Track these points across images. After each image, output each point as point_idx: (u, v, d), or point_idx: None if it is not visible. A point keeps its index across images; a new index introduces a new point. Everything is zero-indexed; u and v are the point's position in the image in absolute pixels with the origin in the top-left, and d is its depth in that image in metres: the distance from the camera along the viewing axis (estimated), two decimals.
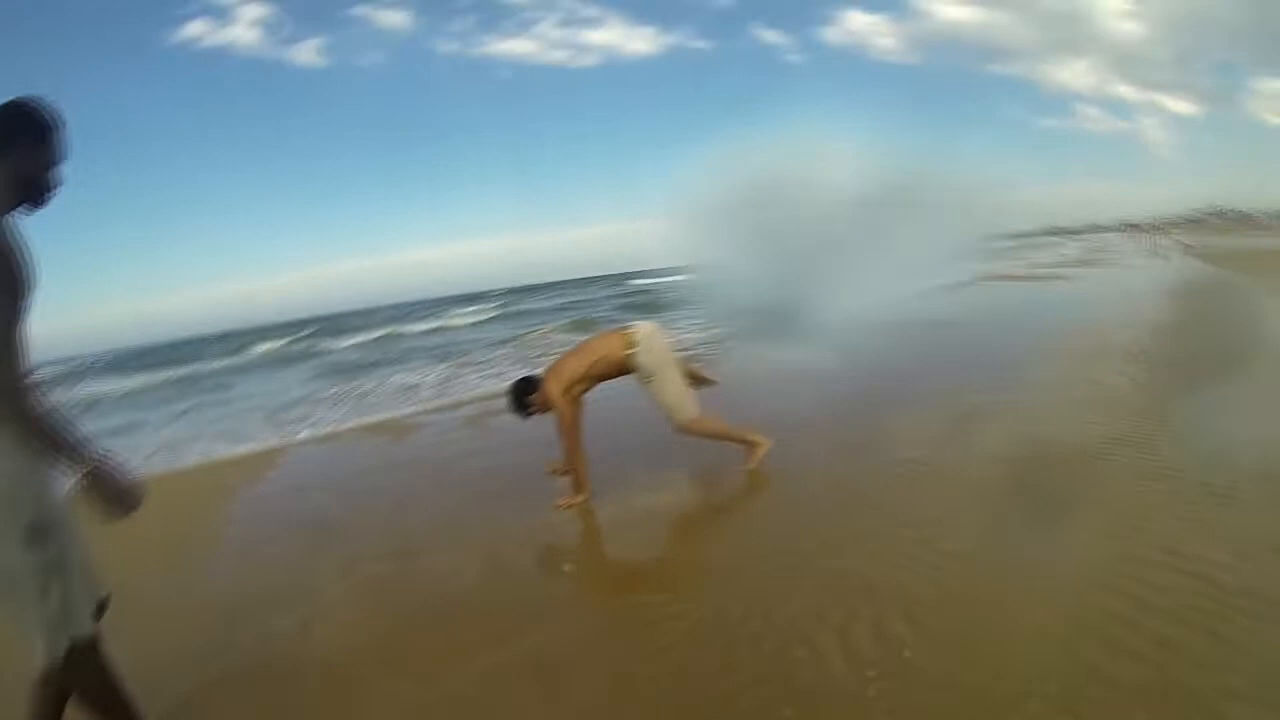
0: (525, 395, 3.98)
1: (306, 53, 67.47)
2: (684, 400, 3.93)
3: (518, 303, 36.23)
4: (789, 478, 3.90)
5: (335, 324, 34.09)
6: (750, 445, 4.07)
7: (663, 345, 3.94)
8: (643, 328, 3.99)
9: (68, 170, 1.76)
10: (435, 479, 4.78)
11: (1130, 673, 1.91)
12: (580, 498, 3.88)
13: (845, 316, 9.83)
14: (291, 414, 8.16)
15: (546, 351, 11.20)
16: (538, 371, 4.06)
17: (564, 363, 3.93)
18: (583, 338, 4.67)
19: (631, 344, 3.88)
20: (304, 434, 6.67)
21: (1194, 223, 51.64)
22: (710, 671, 2.17)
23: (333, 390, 10.24)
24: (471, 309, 33.67)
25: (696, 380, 4.14)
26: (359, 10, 73.54)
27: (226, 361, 22.63)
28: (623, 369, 3.92)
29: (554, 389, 3.83)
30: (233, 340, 29.84)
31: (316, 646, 2.71)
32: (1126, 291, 13.26)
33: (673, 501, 3.85)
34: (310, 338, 27.79)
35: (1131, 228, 44.87)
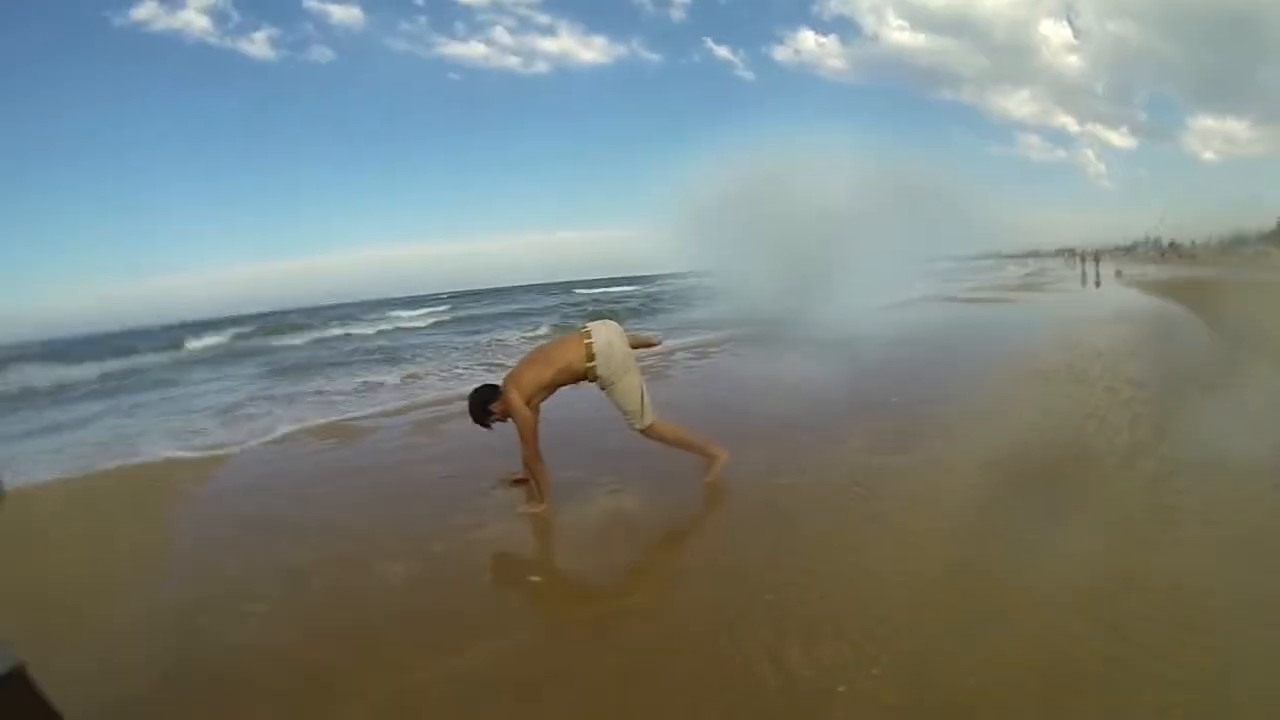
0: (486, 404, 3.96)
1: (258, 44, 65.37)
2: (643, 406, 3.94)
3: (464, 307, 35.57)
4: (742, 489, 3.97)
5: (276, 321, 32.85)
6: (709, 457, 4.09)
7: (622, 351, 3.93)
8: (600, 334, 3.94)
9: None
10: (393, 484, 4.69)
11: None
12: (542, 506, 3.87)
13: (794, 330, 10.00)
14: (241, 413, 7.93)
15: (505, 357, 11.11)
16: (498, 380, 4.04)
17: (525, 371, 3.90)
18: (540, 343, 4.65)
19: (591, 356, 3.87)
20: (256, 436, 6.49)
21: (1127, 251, 53.70)
22: (677, 682, 2.21)
23: (283, 390, 9.96)
24: (419, 311, 33.11)
25: (641, 345, 4.13)
26: (310, 3, 71.51)
27: (165, 356, 21.37)
28: (581, 378, 3.93)
29: (515, 398, 3.79)
30: (169, 334, 28.51)
31: (279, 650, 2.66)
32: (1063, 317, 13.75)
33: (632, 512, 3.87)
34: (253, 335, 26.53)
35: (1068, 253, 46.38)
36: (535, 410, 3.87)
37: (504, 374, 4.06)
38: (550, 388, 3.93)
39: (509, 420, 3.89)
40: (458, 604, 2.94)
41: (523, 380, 3.85)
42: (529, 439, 3.81)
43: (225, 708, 2.34)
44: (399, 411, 7.17)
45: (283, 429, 6.65)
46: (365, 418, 6.95)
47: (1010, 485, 3.74)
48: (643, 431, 3.98)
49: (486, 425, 4.02)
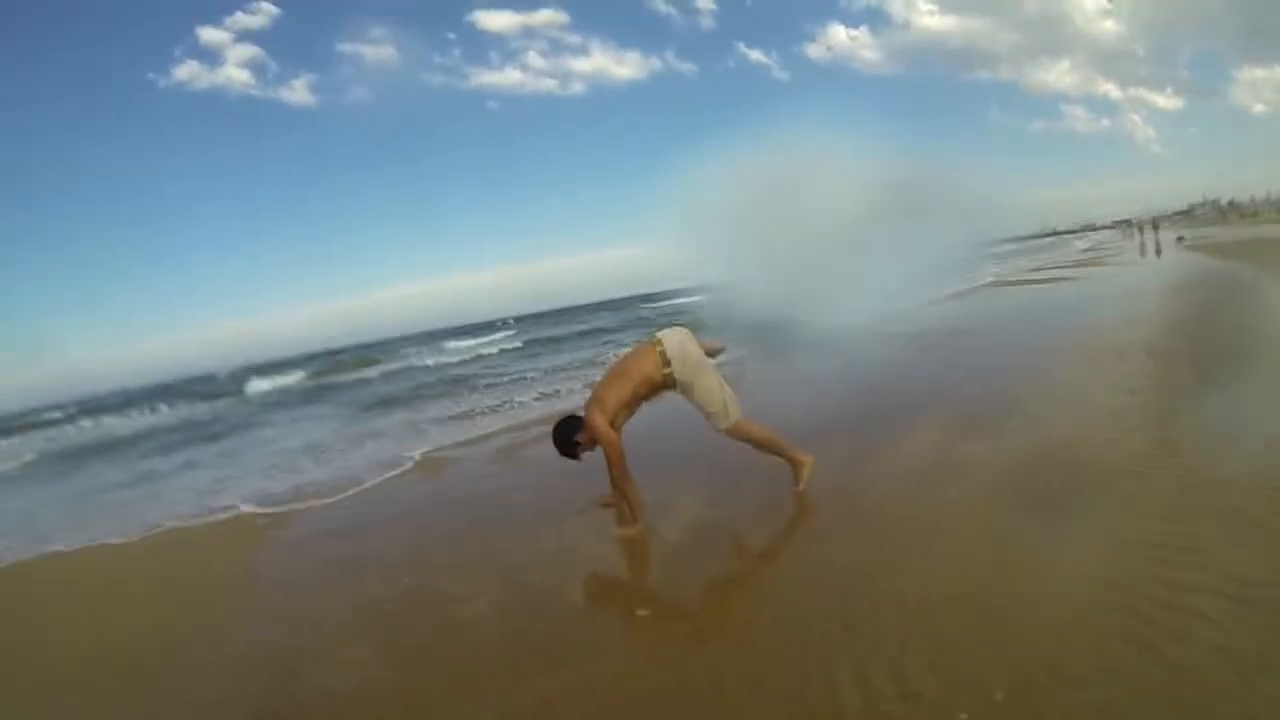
0: (571, 436, 3.86)
1: (298, 91, 67.72)
2: (726, 404, 3.79)
3: (532, 330, 35.10)
4: (839, 497, 3.79)
5: (346, 358, 33.15)
6: (795, 463, 3.89)
7: (696, 353, 3.80)
8: (671, 339, 3.82)
9: None
10: (481, 514, 4.68)
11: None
12: (636, 528, 3.76)
13: (858, 328, 9.78)
14: (324, 454, 8.02)
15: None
16: (579, 409, 3.96)
17: (605, 392, 3.77)
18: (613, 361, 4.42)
19: (666, 361, 3.75)
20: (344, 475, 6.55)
21: (1185, 214, 51.52)
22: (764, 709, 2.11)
23: (365, 425, 10.07)
24: (492, 336, 33.17)
25: (708, 353, 3.94)
26: (345, 47, 73.70)
27: (229, 401, 21.63)
28: (662, 388, 3.81)
29: (599, 422, 3.68)
30: (237, 379, 28.96)
31: (377, 691, 2.63)
32: (1126, 290, 13.19)
33: (724, 527, 3.76)
34: (323, 373, 26.53)
35: (1125, 224, 44.67)
36: (619, 430, 3.77)
37: (583, 400, 3.97)
38: (632, 404, 3.82)
39: (597, 447, 3.80)
40: (553, 632, 2.86)
41: (605, 401, 3.73)
42: (617, 460, 3.70)
43: None
44: (484, 438, 7.21)
45: (367, 468, 6.72)
46: (449, 447, 6.99)
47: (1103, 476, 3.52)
48: (728, 431, 3.81)
49: (576, 457, 3.93)
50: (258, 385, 24.74)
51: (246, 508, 5.62)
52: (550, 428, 4.04)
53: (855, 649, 2.27)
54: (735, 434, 3.84)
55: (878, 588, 2.68)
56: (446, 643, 2.92)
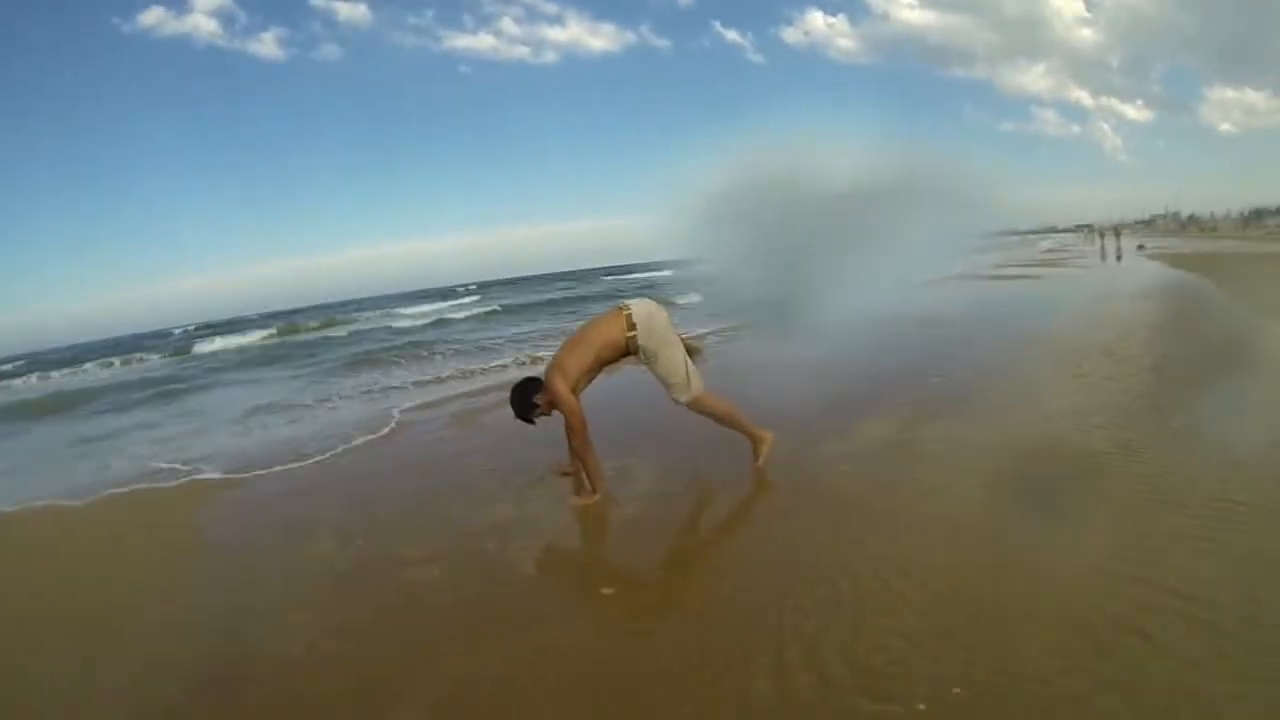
0: (529, 398, 3.77)
1: (266, 45, 65.49)
2: (688, 376, 3.75)
3: (502, 297, 34.31)
4: (790, 472, 3.81)
5: (308, 318, 32.17)
6: (754, 439, 3.88)
7: (663, 322, 3.75)
8: (640, 307, 3.77)
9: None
10: (438, 479, 4.59)
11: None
12: (594, 497, 3.71)
13: (834, 312, 9.76)
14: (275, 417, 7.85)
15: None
16: (538, 372, 3.89)
17: (567, 358, 3.69)
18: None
19: (631, 326, 3.70)
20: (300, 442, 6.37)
21: (1146, 224, 52.61)
22: (715, 683, 2.07)
23: (323, 388, 9.85)
24: (459, 301, 32.71)
25: (690, 350, 3.91)
26: (317, 2, 71.47)
27: (178, 359, 21.22)
28: (624, 352, 3.74)
29: (560, 386, 3.60)
30: (181, 340, 28.02)
31: (326, 656, 2.53)
32: (1089, 292, 13.43)
33: (683, 499, 3.74)
34: (283, 333, 25.47)
35: (1086, 229, 45.38)
36: (578, 396, 3.69)
37: (543, 365, 3.88)
38: (593, 370, 3.75)
39: (554, 413, 3.74)
40: (508, 599, 2.81)
41: (566, 366, 3.65)
42: (579, 428, 3.63)
43: (274, 714, 2.24)
44: (442, 402, 7.09)
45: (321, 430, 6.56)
46: (411, 410, 6.86)
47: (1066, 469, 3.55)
48: (689, 404, 3.78)
49: (531, 420, 3.85)
50: (210, 345, 23.92)
51: (201, 471, 5.41)
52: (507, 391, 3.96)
53: (806, 628, 2.25)
54: (696, 407, 3.81)
55: (834, 566, 2.66)
56: (400, 608, 2.85)
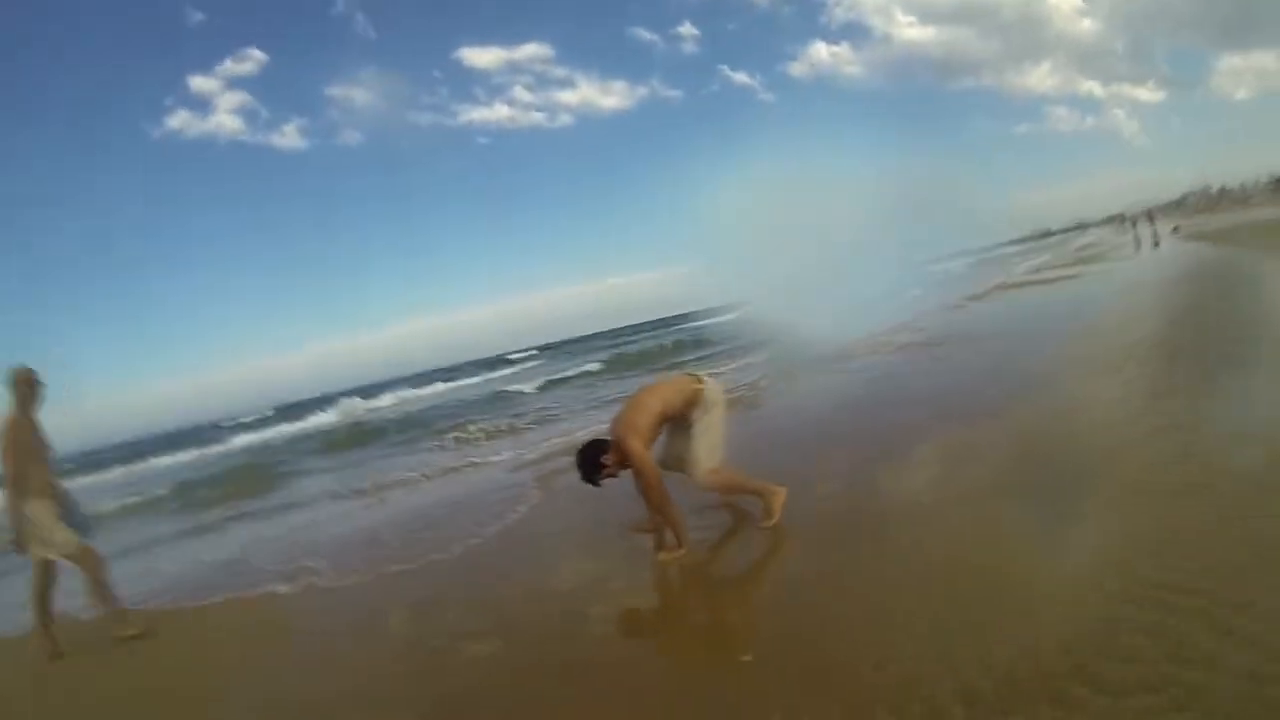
0: (598, 458, 3.74)
1: (289, 136, 68.10)
2: (716, 452, 3.82)
3: (563, 360, 32.72)
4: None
5: (376, 392, 31.22)
6: (766, 496, 3.81)
7: (722, 406, 3.91)
8: (713, 384, 3.98)
9: None
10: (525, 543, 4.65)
11: None
12: (681, 551, 3.68)
13: (871, 339, 9.71)
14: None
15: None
16: (603, 433, 3.92)
17: (638, 418, 3.72)
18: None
19: (699, 381, 3.89)
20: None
21: (1178, 204, 51.00)
22: None
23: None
24: (514, 370, 32.31)
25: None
26: (334, 90, 74.48)
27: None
28: (687, 406, 3.83)
29: (637, 446, 3.61)
30: (261, 424, 27.25)
31: None
32: (1136, 282, 13.02)
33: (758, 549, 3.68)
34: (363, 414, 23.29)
35: (1119, 219, 44.21)
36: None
37: (610, 426, 3.90)
38: (658, 431, 3.80)
39: (620, 474, 3.76)
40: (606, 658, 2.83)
41: (639, 426, 3.69)
42: (656, 484, 3.63)
43: None
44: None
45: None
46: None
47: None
48: (704, 479, 3.80)
49: (596, 483, 3.81)
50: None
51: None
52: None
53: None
54: (711, 480, 3.84)
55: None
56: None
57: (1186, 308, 8.15)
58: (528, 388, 19.57)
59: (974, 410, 5.27)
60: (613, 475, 3.78)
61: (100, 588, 4.23)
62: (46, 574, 4.17)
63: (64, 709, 3.74)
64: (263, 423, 28.58)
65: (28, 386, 4.16)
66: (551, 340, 62.95)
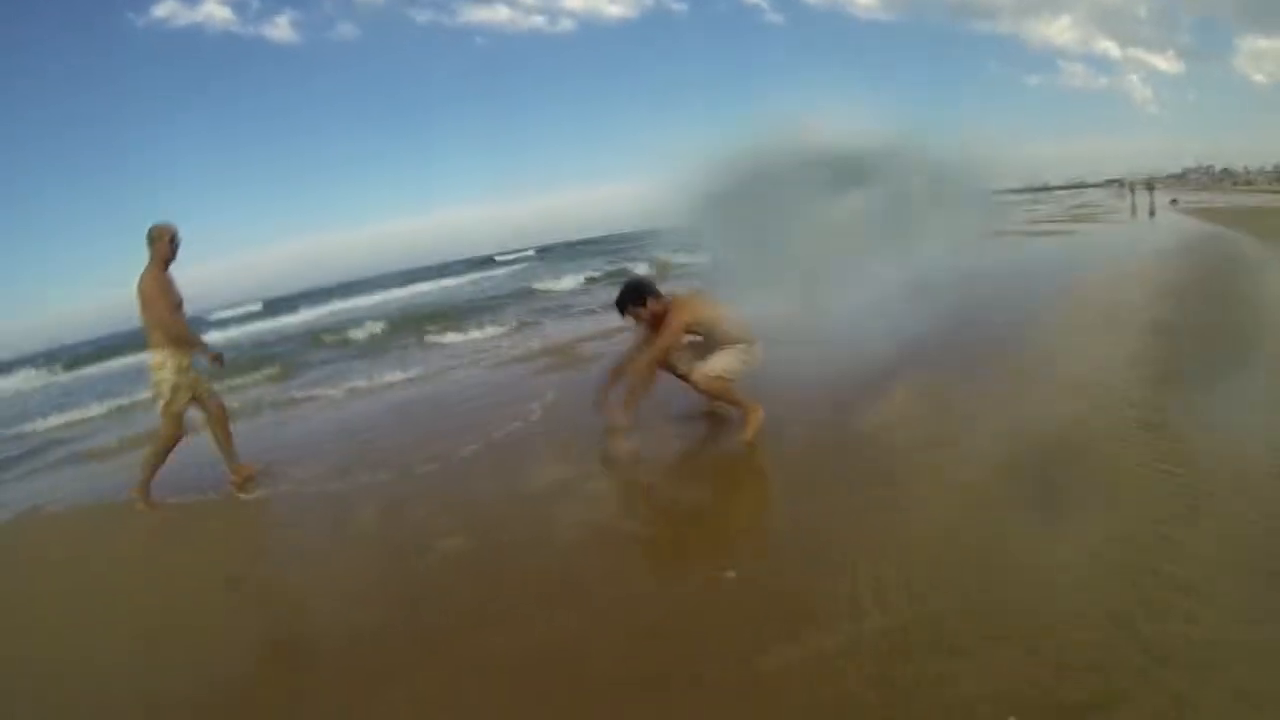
0: (641, 297, 3.77)
1: (280, 29, 63.81)
2: (729, 375, 3.75)
3: (555, 263, 32.82)
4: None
5: (356, 292, 30.27)
6: (748, 411, 3.77)
7: (759, 361, 3.84)
8: (759, 352, 3.86)
9: None
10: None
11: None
12: (619, 428, 3.71)
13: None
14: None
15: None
16: (667, 290, 3.90)
17: (697, 305, 3.75)
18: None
19: (751, 342, 3.81)
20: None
21: (1179, 178, 50.36)
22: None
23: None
24: (511, 267, 31.34)
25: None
26: None
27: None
28: (733, 339, 3.77)
29: (678, 321, 3.64)
30: (271, 310, 26.85)
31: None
32: (1126, 249, 12.87)
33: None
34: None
35: (1116, 184, 43.57)
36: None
37: (676, 293, 3.91)
38: (698, 330, 3.79)
39: (640, 324, 3.82)
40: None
41: (696, 311, 3.71)
42: (661, 357, 3.70)
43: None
44: None
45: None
46: None
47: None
48: (709, 382, 3.74)
49: (624, 314, 3.85)
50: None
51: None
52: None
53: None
54: (714, 386, 3.78)
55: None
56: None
57: (1169, 283, 7.99)
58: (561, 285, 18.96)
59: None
60: (640, 320, 3.80)
61: (224, 434, 4.39)
62: (179, 426, 4.26)
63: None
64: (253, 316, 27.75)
65: (169, 243, 4.22)
66: (544, 244, 60.71)
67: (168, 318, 4.12)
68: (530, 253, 49.78)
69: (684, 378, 3.84)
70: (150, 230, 4.19)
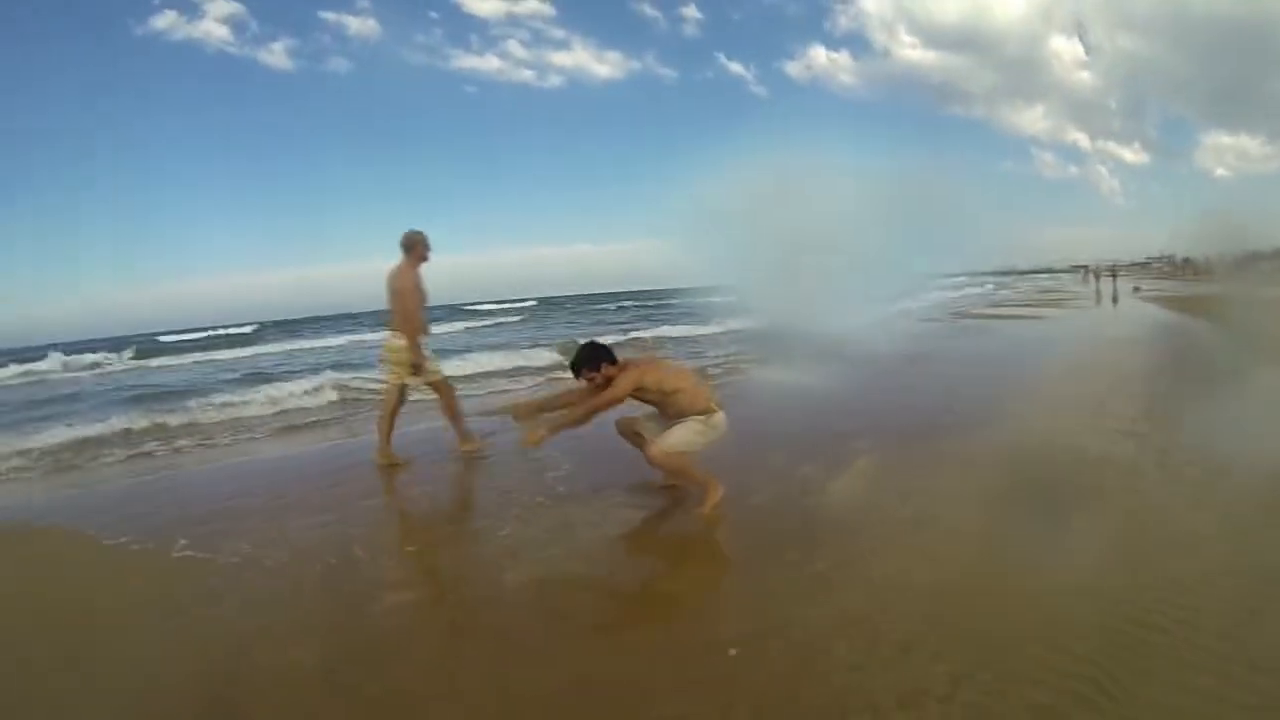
0: (597, 362, 3.63)
1: (275, 55, 64.79)
2: (689, 450, 3.59)
3: (551, 319, 32.69)
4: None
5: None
6: (707, 488, 3.63)
7: (723, 433, 3.70)
8: (723, 420, 3.70)
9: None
10: None
11: None
12: (536, 436, 3.60)
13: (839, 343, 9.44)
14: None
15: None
16: (628, 355, 3.81)
17: (651, 371, 3.62)
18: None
19: (712, 411, 3.66)
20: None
21: (1142, 266, 51.60)
22: None
23: None
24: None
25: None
26: (328, 15, 70.35)
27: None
28: (693, 408, 3.61)
29: (626, 384, 3.52)
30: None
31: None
32: (1101, 335, 13.01)
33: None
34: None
35: (1084, 270, 44.58)
36: (619, 404, 3.64)
37: (634, 357, 3.85)
38: (653, 399, 3.66)
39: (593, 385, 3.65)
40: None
41: (646, 380, 3.57)
42: (600, 409, 3.58)
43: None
44: None
45: None
46: None
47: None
48: (661, 455, 3.55)
49: (578, 376, 3.69)
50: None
51: None
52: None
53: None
54: (669, 460, 3.59)
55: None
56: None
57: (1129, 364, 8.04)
58: None
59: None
60: (591, 382, 3.66)
61: (454, 410, 5.07)
62: (401, 397, 4.94)
63: None
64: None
65: (421, 246, 4.88)
66: (525, 296, 60.32)
67: (414, 311, 4.75)
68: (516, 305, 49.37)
69: (643, 450, 3.67)
70: (406, 235, 4.83)
